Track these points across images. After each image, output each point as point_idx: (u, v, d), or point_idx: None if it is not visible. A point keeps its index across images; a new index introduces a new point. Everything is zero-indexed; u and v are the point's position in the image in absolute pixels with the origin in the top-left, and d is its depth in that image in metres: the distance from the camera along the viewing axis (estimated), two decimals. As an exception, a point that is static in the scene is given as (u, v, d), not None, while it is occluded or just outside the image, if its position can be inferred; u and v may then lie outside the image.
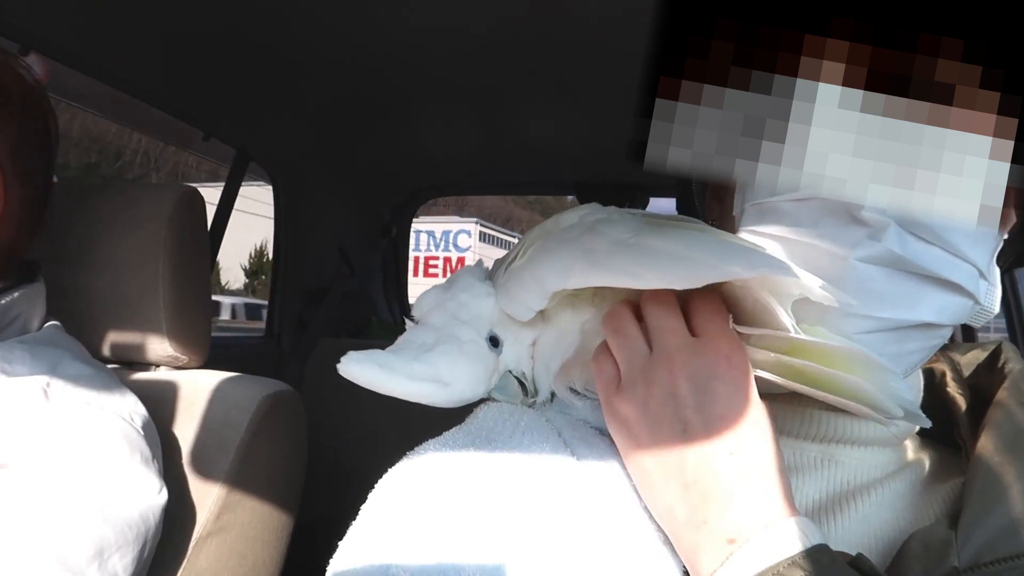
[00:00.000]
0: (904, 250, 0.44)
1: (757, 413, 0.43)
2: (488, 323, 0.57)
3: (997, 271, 0.49)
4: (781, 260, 0.41)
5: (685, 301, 0.47)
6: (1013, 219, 0.49)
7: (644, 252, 0.45)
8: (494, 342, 0.57)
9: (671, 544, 0.44)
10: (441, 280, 0.61)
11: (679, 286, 0.42)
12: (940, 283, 0.45)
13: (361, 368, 0.52)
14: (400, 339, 0.57)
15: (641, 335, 0.47)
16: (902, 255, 0.44)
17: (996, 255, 0.48)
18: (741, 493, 0.41)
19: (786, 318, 0.42)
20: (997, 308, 0.48)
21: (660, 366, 0.45)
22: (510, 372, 0.58)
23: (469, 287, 0.59)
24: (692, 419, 0.43)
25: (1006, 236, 0.49)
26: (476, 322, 0.57)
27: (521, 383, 0.59)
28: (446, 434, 0.52)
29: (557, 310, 0.56)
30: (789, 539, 0.38)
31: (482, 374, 0.56)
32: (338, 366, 0.52)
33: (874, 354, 0.42)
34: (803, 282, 0.40)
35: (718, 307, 0.46)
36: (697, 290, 0.45)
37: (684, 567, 0.43)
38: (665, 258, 0.44)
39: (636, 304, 0.49)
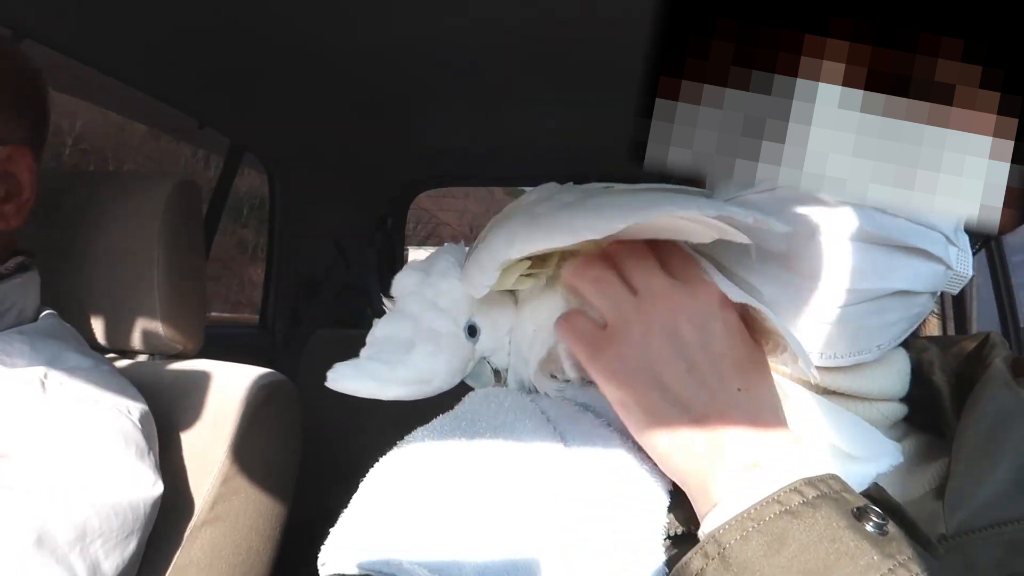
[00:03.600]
0: (870, 224, 0.44)
1: (757, 354, 0.44)
2: (468, 310, 0.58)
3: (966, 237, 0.49)
4: (706, 202, 0.42)
5: (653, 251, 0.47)
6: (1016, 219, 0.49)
7: (582, 208, 0.46)
8: (472, 331, 0.58)
9: (655, 518, 0.44)
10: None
11: (604, 232, 0.43)
12: (909, 251, 0.45)
13: (353, 383, 0.54)
14: (378, 331, 0.58)
15: (621, 281, 0.46)
16: (868, 229, 0.44)
17: (963, 223, 0.49)
18: (757, 426, 0.41)
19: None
20: (970, 271, 0.48)
21: (655, 307, 0.44)
22: (484, 359, 0.59)
23: (447, 272, 0.59)
24: (697, 357, 0.43)
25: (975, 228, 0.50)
26: (455, 309, 0.58)
27: (495, 369, 0.59)
28: (434, 421, 0.52)
29: (532, 298, 0.56)
30: (806, 465, 0.39)
31: (459, 366, 0.57)
32: (327, 382, 0.53)
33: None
34: (721, 226, 0.40)
35: (688, 254, 0.47)
36: (663, 242, 0.47)
37: (667, 548, 0.44)
38: (595, 209, 0.45)
39: (604, 254, 0.48)
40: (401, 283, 0.61)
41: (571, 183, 0.57)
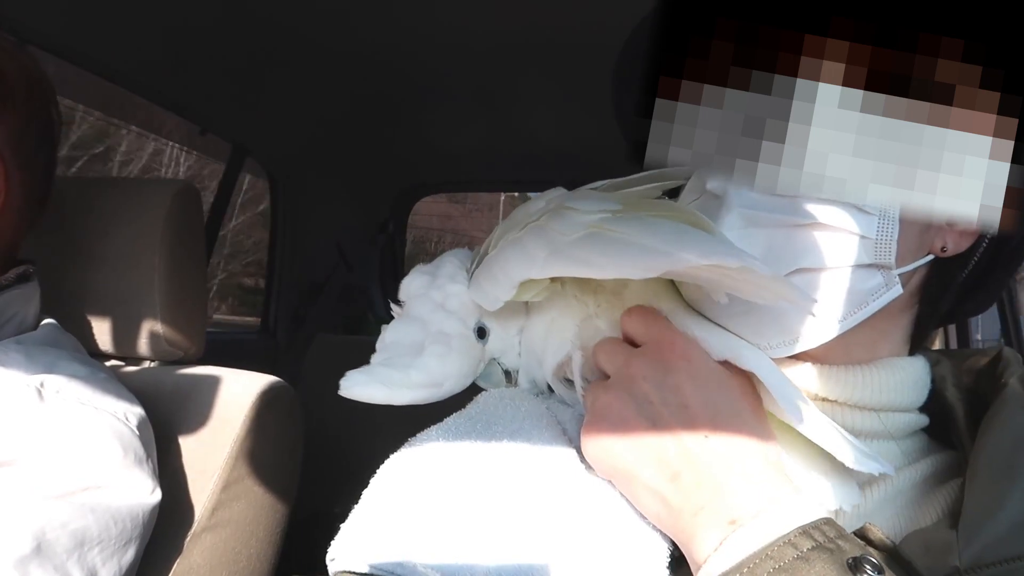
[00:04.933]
0: (756, 208, 0.45)
1: (728, 395, 0.44)
2: (476, 313, 0.58)
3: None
4: (738, 248, 0.42)
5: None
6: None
7: (604, 241, 0.46)
8: (481, 332, 0.58)
9: (653, 528, 0.44)
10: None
11: (635, 275, 0.43)
12: (804, 227, 0.45)
13: (366, 389, 0.53)
14: (388, 336, 0.58)
15: (601, 372, 0.49)
16: (753, 213, 0.45)
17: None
18: (732, 474, 0.41)
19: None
20: (896, 234, 0.46)
21: (616, 380, 0.46)
22: (495, 360, 0.59)
23: (455, 276, 0.59)
24: (659, 411, 0.43)
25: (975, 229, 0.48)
26: (463, 311, 0.58)
27: (505, 370, 0.59)
28: (447, 420, 0.52)
29: (545, 303, 0.56)
30: (789, 516, 0.38)
31: (470, 368, 0.57)
32: (340, 390, 0.53)
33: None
34: (753, 271, 0.40)
35: (650, 311, 0.49)
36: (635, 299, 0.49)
37: (672, 549, 0.44)
38: (623, 247, 0.44)
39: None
40: (408, 287, 0.61)
41: (581, 188, 0.57)
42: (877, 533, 0.39)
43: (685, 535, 0.41)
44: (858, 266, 0.46)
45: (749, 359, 0.45)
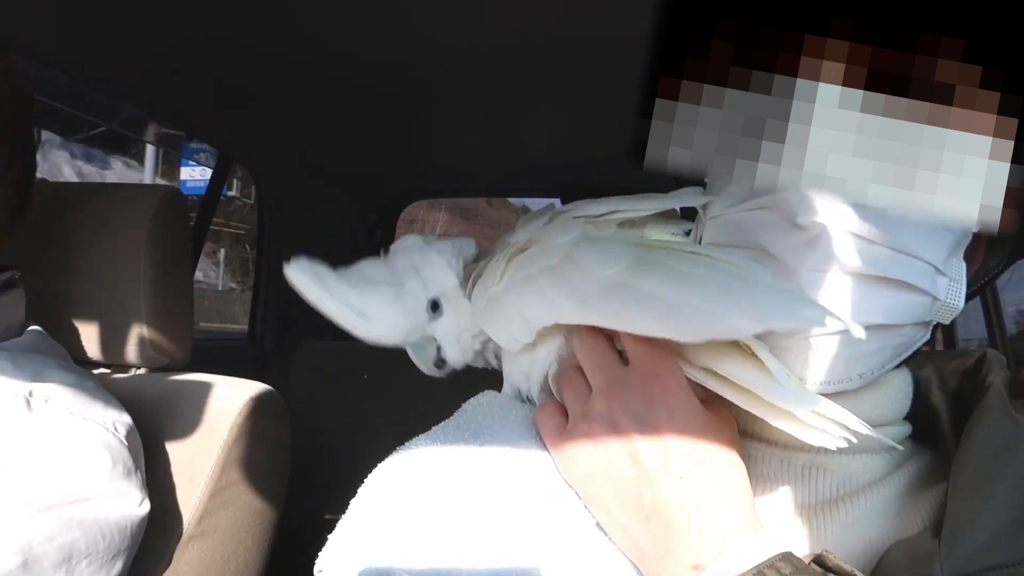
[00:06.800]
0: (850, 255, 0.44)
1: (706, 430, 0.44)
2: (440, 288, 0.61)
3: (962, 266, 0.48)
4: (794, 304, 0.41)
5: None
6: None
7: (637, 296, 0.45)
8: (435, 306, 0.60)
9: None
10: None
11: (680, 339, 0.42)
12: (888, 282, 0.45)
13: (302, 276, 0.57)
14: (359, 263, 0.62)
15: (584, 380, 0.49)
16: (846, 260, 0.44)
17: (963, 250, 0.48)
18: (699, 518, 0.41)
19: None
20: (961, 302, 0.47)
21: (598, 402, 0.46)
22: (435, 341, 0.61)
23: (442, 250, 0.63)
24: (640, 449, 0.43)
25: (975, 230, 0.48)
26: (432, 282, 0.61)
27: (441, 358, 0.62)
28: (435, 429, 0.52)
29: None
30: (749, 555, 0.38)
31: (405, 326, 0.60)
32: (285, 268, 0.57)
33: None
34: (809, 331, 0.40)
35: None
36: None
37: None
38: (659, 305, 0.43)
39: (572, 353, 0.51)
40: (402, 244, 0.65)
41: (576, 203, 0.57)
42: (834, 560, 0.39)
43: (650, 573, 0.42)
44: (917, 324, 0.47)
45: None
